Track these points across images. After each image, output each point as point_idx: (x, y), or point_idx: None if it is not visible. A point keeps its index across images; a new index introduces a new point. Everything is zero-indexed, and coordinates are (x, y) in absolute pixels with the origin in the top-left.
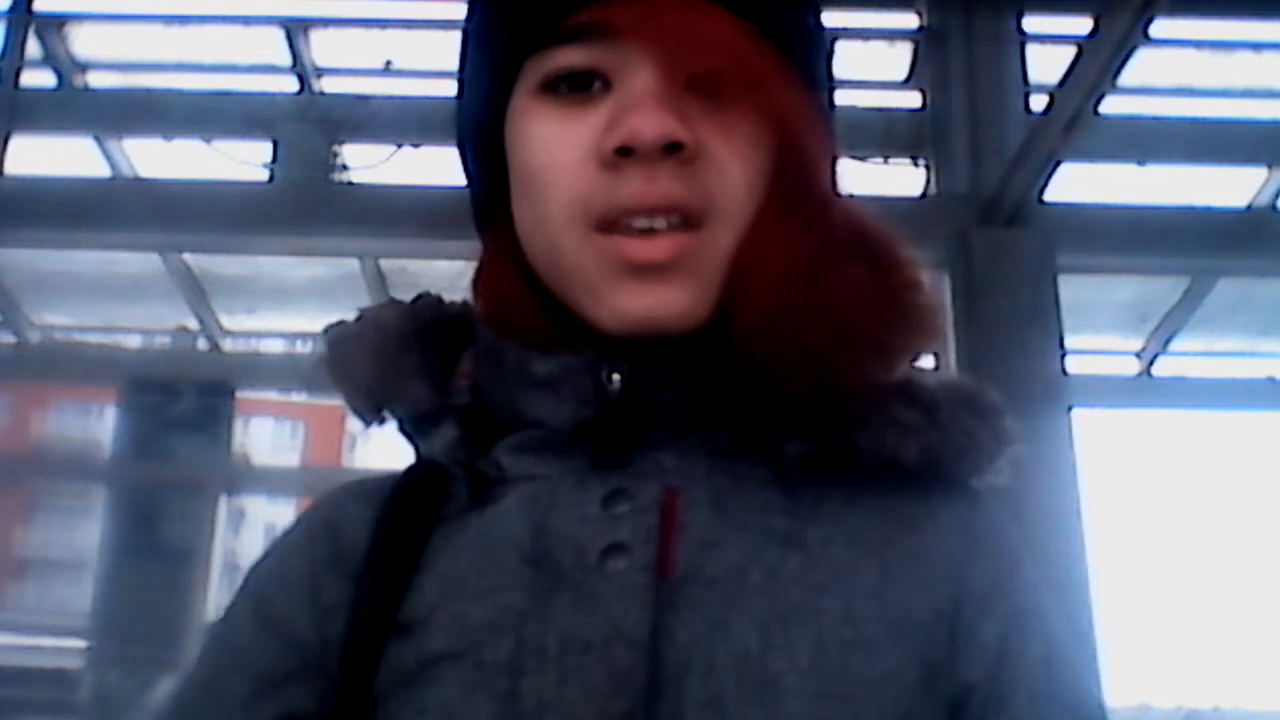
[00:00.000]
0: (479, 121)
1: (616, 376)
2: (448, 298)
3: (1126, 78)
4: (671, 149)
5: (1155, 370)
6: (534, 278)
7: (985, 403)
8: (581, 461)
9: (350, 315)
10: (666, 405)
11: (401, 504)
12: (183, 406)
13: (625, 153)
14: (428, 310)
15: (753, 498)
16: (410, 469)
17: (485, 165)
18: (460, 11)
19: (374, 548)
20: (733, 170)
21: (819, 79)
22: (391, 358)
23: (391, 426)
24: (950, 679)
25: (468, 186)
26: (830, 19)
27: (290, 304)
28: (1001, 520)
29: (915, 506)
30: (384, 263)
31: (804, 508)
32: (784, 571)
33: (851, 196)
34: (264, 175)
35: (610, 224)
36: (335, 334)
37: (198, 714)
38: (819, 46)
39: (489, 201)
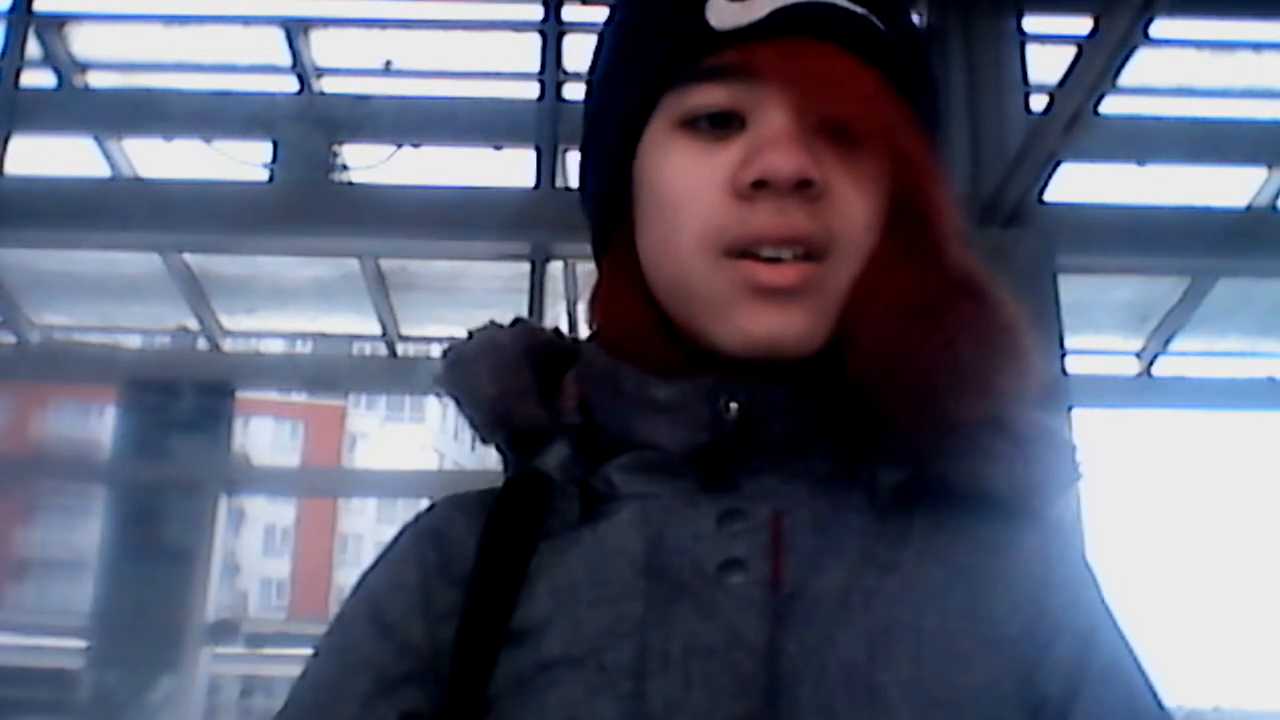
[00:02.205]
0: (611, 144)
1: (734, 405)
2: (540, 324)
3: (1126, 78)
4: (803, 185)
5: (1155, 370)
6: (652, 300)
7: (1061, 437)
8: (691, 483)
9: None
10: (775, 433)
11: (505, 517)
12: (183, 406)
13: (760, 186)
14: (528, 335)
15: (851, 523)
16: (510, 483)
17: (610, 184)
18: (460, 12)
19: (482, 557)
20: (855, 208)
21: (935, 124)
22: (511, 378)
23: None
24: (1032, 689)
25: (583, 194)
26: None
27: (290, 304)
28: (1074, 546)
29: (997, 531)
30: (384, 263)
31: (896, 533)
32: (882, 592)
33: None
34: (264, 175)
35: (740, 251)
36: (456, 353)
37: (322, 709)
38: (935, 94)
39: (607, 220)
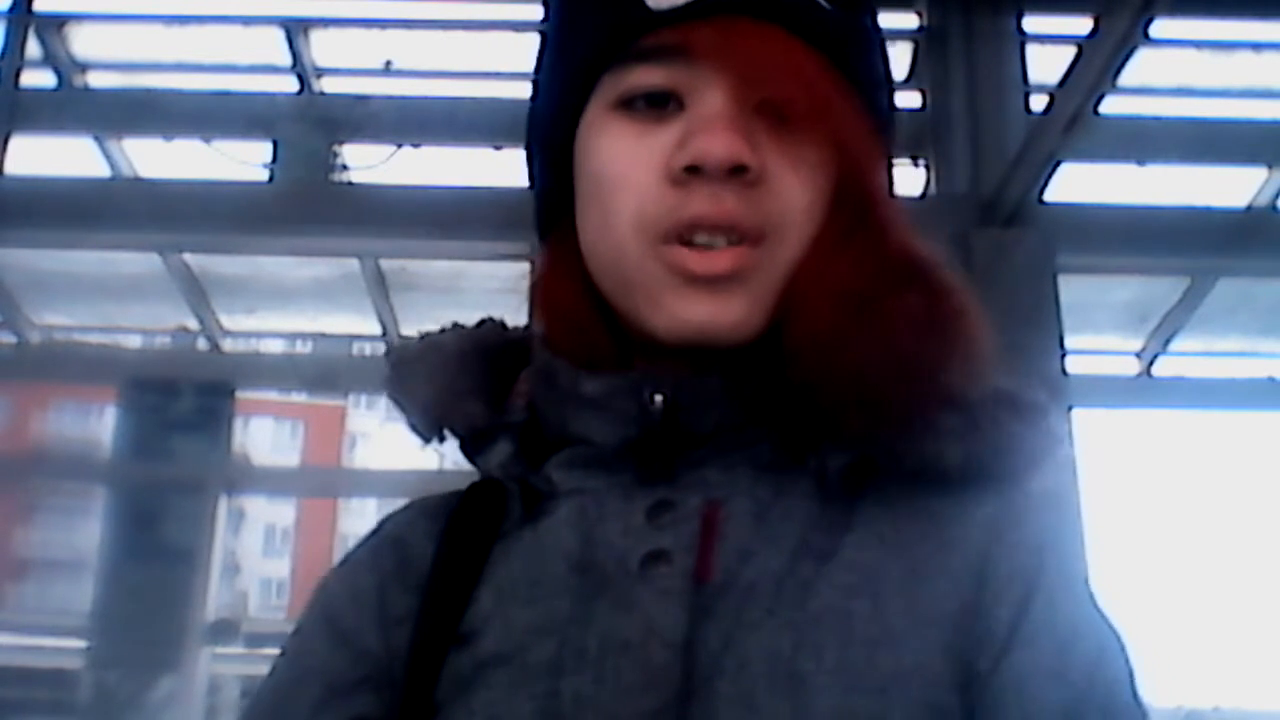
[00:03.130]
0: (550, 131)
1: (659, 398)
2: (510, 322)
3: (1126, 78)
4: (737, 171)
5: (1155, 370)
6: (592, 289)
7: (1027, 402)
8: (628, 476)
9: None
10: (710, 423)
11: (463, 520)
12: (183, 406)
13: (694, 171)
14: (491, 334)
15: (793, 510)
16: (473, 486)
17: (552, 174)
18: (460, 12)
19: (437, 562)
20: (793, 195)
21: (882, 110)
22: (449, 379)
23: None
24: (965, 667)
25: (532, 191)
26: None
27: (290, 304)
28: (1029, 514)
29: (947, 504)
30: (384, 263)
31: (839, 517)
32: (817, 580)
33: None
34: (264, 175)
35: (674, 237)
36: (397, 356)
37: (274, 713)
38: (883, 80)
39: (552, 210)
